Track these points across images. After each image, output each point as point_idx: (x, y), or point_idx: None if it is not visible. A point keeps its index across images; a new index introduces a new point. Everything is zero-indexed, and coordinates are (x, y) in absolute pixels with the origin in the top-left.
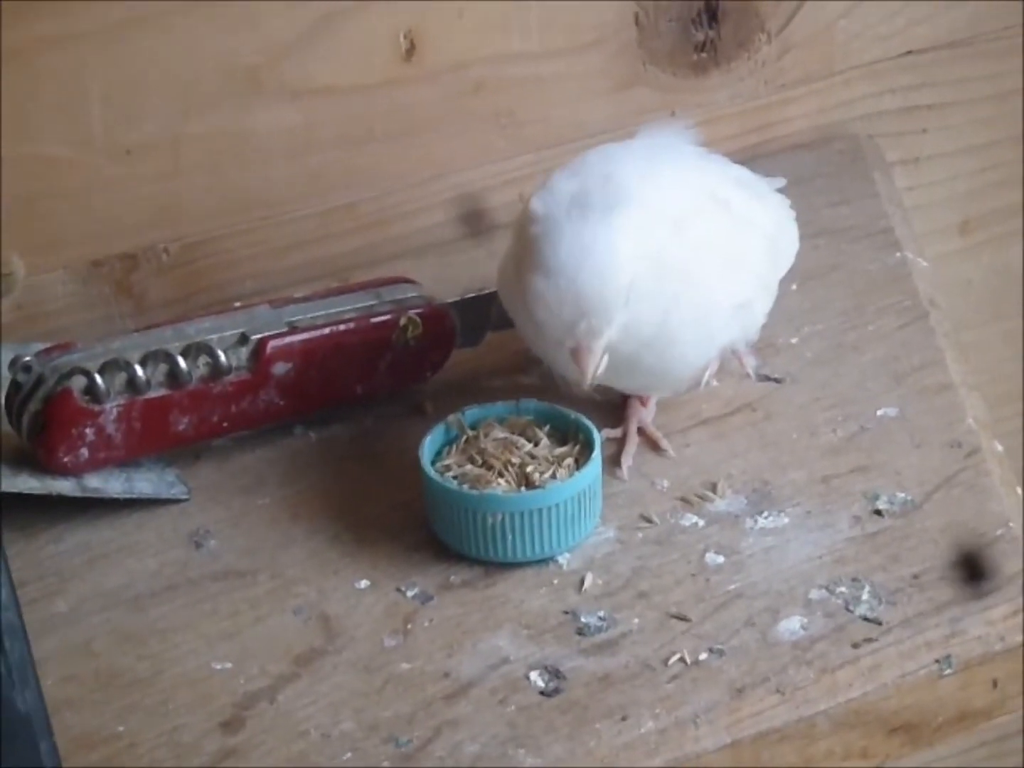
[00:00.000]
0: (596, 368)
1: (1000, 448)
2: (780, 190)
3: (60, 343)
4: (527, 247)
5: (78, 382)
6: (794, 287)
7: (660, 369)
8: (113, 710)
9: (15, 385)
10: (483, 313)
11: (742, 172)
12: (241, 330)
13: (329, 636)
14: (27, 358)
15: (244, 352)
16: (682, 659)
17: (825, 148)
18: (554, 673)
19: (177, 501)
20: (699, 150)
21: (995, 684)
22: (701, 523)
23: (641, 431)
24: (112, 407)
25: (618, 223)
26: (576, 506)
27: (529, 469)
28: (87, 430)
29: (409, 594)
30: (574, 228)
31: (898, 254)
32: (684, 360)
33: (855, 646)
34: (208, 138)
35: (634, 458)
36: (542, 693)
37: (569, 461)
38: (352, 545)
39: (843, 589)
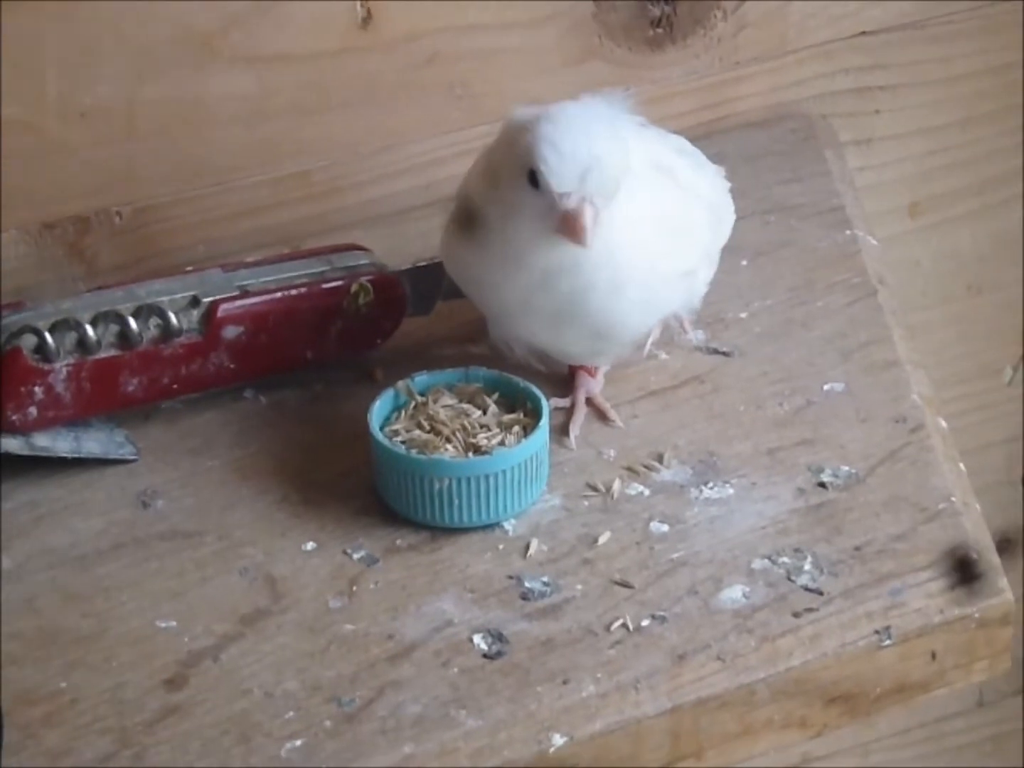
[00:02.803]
0: (595, 230)
1: (944, 424)
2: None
3: (10, 302)
4: (518, 133)
5: (28, 341)
6: (744, 263)
7: (604, 328)
8: (56, 666)
9: None
10: (434, 282)
11: (680, 141)
12: (192, 293)
13: (274, 597)
14: None
15: (195, 315)
16: (624, 625)
17: (778, 126)
18: (497, 636)
19: (125, 461)
20: (636, 118)
21: (933, 656)
22: (647, 492)
23: (589, 401)
24: (62, 366)
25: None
26: (523, 473)
27: (477, 435)
28: (36, 389)
29: (355, 557)
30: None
31: (848, 232)
32: (628, 322)
33: (796, 615)
34: (162, 103)
35: (582, 427)
36: (485, 656)
37: (517, 428)
38: (299, 507)
39: (785, 559)
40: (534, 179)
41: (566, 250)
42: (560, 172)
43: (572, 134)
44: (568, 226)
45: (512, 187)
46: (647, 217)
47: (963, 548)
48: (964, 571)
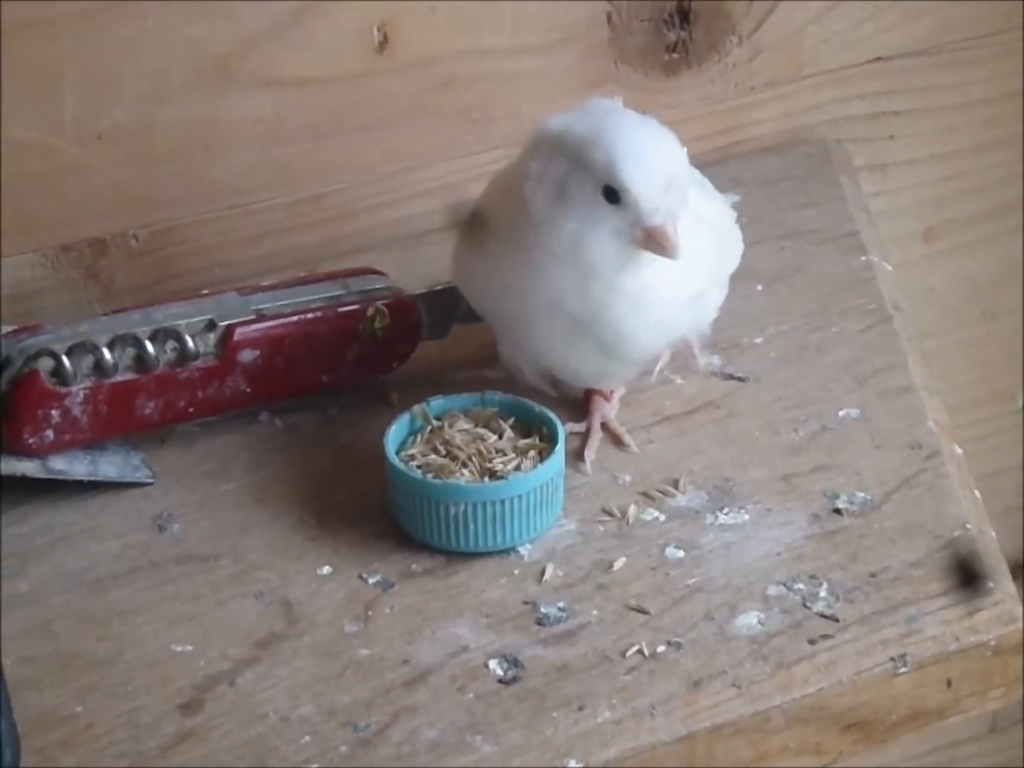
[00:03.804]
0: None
1: (959, 451)
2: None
3: (28, 325)
4: (584, 148)
5: (45, 364)
6: (759, 288)
7: (615, 344)
8: (72, 690)
9: None
10: (450, 306)
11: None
12: (209, 316)
13: (290, 621)
14: None
15: (212, 338)
16: (640, 651)
17: (793, 151)
18: (513, 662)
19: (141, 485)
20: None
21: (949, 684)
22: (662, 518)
23: (604, 426)
24: (79, 390)
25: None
26: (538, 498)
27: (492, 460)
28: (53, 412)
29: (371, 581)
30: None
31: (863, 258)
32: (640, 339)
33: (811, 642)
34: (179, 126)
35: (597, 452)
36: (500, 681)
37: (532, 453)
38: (315, 531)
39: (801, 586)
40: (610, 195)
41: (640, 260)
42: (648, 189)
43: (651, 148)
44: (656, 240)
45: (583, 203)
46: None
47: (976, 571)
48: (974, 589)
